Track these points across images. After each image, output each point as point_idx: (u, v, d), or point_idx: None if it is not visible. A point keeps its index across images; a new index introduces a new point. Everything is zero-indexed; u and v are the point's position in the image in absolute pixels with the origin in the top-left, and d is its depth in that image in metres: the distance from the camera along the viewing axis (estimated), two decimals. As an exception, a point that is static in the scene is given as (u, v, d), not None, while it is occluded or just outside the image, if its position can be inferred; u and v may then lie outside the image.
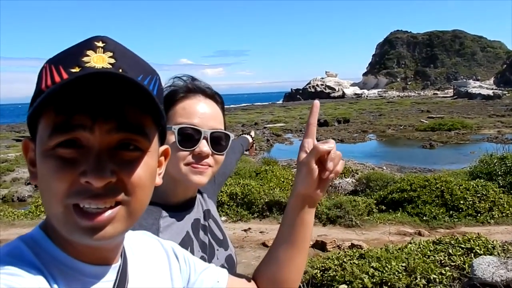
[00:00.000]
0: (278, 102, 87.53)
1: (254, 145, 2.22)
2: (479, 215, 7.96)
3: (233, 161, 1.79)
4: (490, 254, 4.35)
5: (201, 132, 1.07)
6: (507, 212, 8.01)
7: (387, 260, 4.38)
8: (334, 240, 6.87)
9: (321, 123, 34.80)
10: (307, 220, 0.97)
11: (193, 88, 1.13)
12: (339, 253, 5.00)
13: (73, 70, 0.58)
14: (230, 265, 1.22)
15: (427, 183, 8.82)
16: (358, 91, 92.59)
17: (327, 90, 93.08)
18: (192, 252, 1.09)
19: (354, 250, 5.05)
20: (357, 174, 12.22)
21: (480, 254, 4.25)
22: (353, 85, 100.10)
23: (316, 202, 0.97)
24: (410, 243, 4.95)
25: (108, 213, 0.58)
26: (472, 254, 4.45)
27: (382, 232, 7.64)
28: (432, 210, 8.16)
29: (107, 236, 0.59)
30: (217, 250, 1.21)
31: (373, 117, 39.52)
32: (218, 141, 1.11)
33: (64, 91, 0.55)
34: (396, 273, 4.09)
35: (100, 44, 0.61)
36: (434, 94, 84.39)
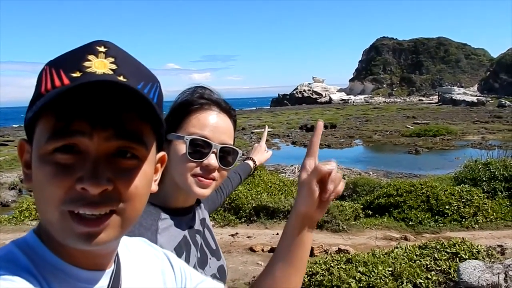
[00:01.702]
0: (265, 107, 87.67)
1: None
2: (463, 220, 8.06)
3: (220, 198, 1.73)
4: (475, 259, 4.40)
5: (211, 145, 1.08)
6: (491, 217, 8.13)
7: (374, 264, 4.40)
8: (321, 245, 6.88)
9: (308, 128, 34.97)
10: (306, 241, 0.95)
11: (209, 99, 1.14)
12: (326, 257, 5.01)
13: (74, 75, 0.58)
14: (222, 276, 1.23)
15: (413, 188, 8.91)
16: (345, 96, 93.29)
17: (314, 96, 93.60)
18: (188, 256, 1.10)
19: (341, 255, 5.07)
20: (344, 179, 12.25)
21: (465, 259, 4.30)
22: (339, 90, 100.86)
23: (315, 222, 0.96)
24: (397, 247, 4.98)
25: (103, 220, 0.58)
26: (457, 258, 4.49)
27: (368, 236, 7.68)
28: (418, 215, 8.24)
29: (101, 242, 0.58)
30: (210, 259, 1.21)
31: (360, 122, 39.84)
32: (226, 156, 1.12)
33: (65, 96, 0.55)
34: (383, 277, 4.11)
35: (102, 49, 0.61)
36: (419, 100, 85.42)
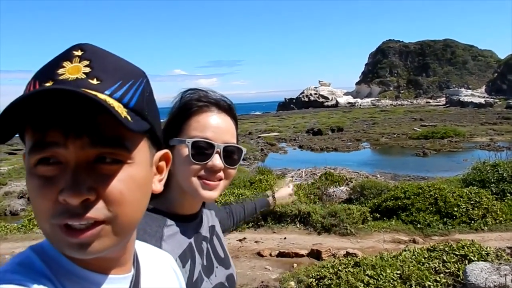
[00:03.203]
0: (272, 112, 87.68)
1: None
2: (472, 222, 8.00)
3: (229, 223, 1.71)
4: (484, 261, 4.37)
5: (214, 146, 1.08)
6: (500, 219, 8.06)
7: (382, 268, 4.39)
8: (329, 249, 6.86)
9: (315, 132, 34.94)
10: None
11: (207, 101, 1.13)
12: (334, 261, 5.00)
13: (46, 84, 0.57)
14: (231, 284, 1.23)
15: (420, 190, 8.85)
16: (352, 100, 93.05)
17: (321, 99, 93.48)
18: (194, 264, 1.10)
19: (349, 258, 5.05)
20: (351, 182, 12.26)
21: (474, 261, 4.27)
22: (346, 94, 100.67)
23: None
24: (405, 250, 4.96)
25: (92, 230, 0.56)
26: (466, 261, 4.46)
27: (376, 240, 7.64)
28: (426, 218, 8.19)
29: (95, 251, 0.57)
30: (216, 267, 1.20)
31: (367, 125, 39.70)
32: (230, 155, 1.11)
33: (37, 107, 0.54)
34: (391, 280, 4.10)
35: (78, 53, 0.60)
36: (426, 102, 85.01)
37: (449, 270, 4.25)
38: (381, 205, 9.01)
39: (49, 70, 0.58)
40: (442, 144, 25.07)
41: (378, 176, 15.17)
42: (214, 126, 1.10)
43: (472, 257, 4.65)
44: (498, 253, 4.68)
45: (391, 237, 7.75)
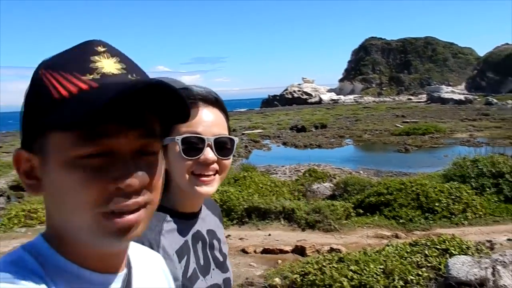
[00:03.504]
0: (255, 109, 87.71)
1: None
2: (453, 216, 8.15)
3: None
4: (465, 254, 4.45)
5: (204, 139, 1.08)
6: (480, 213, 8.23)
7: (366, 263, 4.44)
8: (313, 245, 6.91)
9: (299, 129, 35.08)
10: None
11: (192, 96, 1.11)
12: (318, 257, 5.04)
13: (87, 78, 0.58)
14: (227, 286, 1.24)
15: (403, 186, 8.98)
16: (335, 97, 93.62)
17: (304, 96, 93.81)
18: (188, 262, 1.11)
19: (333, 254, 5.10)
20: (335, 178, 12.36)
21: (455, 255, 4.35)
22: (329, 91, 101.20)
23: None
24: (388, 245, 5.03)
25: (135, 215, 0.60)
26: (448, 255, 4.55)
27: (360, 235, 7.73)
28: (408, 213, 8.31)
29: (133, 236, 0.60)
30: (213, 269, 1.21)
31: (350, 122, 40.02)
32: (223, 147, 1.11)
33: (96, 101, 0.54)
34: (375, 275, 4.15)
35: (101, 48, 0.61)
36: (408, 99, 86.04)
37: (431, 264, 4.32)
38: (364, 201, 9.11)
39: (82, 64, 0.59)
40: (424, 140, 25.45)
41: (361, 172, 15.32)
42: (203, 120, 1.10)
43: (453, 251, 4.74)
44: (478, 247, 4.78)
45: (374, 232, 7.84)
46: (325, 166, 15.38)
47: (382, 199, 8.80)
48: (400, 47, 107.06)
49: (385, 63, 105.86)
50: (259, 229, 8.24)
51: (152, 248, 0.98)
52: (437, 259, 4.44)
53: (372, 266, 4.31)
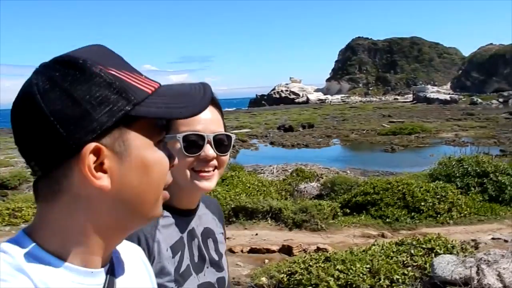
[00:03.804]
0: (243, 108, 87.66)
1: None
2: (438, 216, 8.23)
3: None
4: (450, 254, 4.49)
5: (204, 137, 1.12)
6: (465, 212, 8.33)
7: (352, 262, 4.45)
8: (300, 244, 6.91)
9: (286, 128, 35.17)
10: None
11: None
12: (305, 257, 5.03)
13: (144, 77, 0.66)
14: (220, 286, 1.26)
15: (389, 186, 9.04)
16: (322, 96, 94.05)
17: (292, 96, 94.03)
18: (182, 258, 1.14)
19: (320, 254, 5.10)
20: (322, 178, 12.40)
21: (441, 254, 4.38)
22: (317, 90, 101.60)
23: None
24: (374, 245, 5.05)
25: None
26: (433, 254, 4.58)
27: (346, 235, 7.76)
28: (395, 212, 8.37)
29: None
30: (207, 267, 1.23)
31: (337, 122, 40.27)
32: (221, 143, 1.16)
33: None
34: (361, 274, 4.16)
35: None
36: (394, 99, 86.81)
37: (416, 263, 4.35)
38: (351, 200, 9.16)
39: (130, 65, 0.67)
40: (410, 140, 25.72)
41: (348, 172, 15.41)
42: (202, 118, 1.13)
43: (438, 250, 4.78)
44: (463, 246, 4.83)
45: (360, 231, 7.88)
46: (312, 165, 15.42)
47: (369, 199, 8.85)
48: (386, 47, 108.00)
49: (372, 63, 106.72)
50: (246, 228, 8.22)
51: (147, 241, 1.04)
52: (423, 258, 4.46)
53: (358, 265, 4.31)
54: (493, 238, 6.47)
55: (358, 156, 22.14)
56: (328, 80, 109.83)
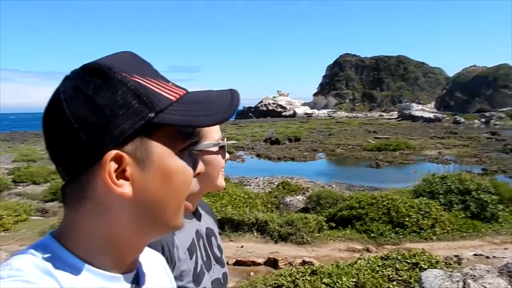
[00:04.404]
0: (230, 120, 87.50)
1: None
2: (422, 231, 8.33)
3: None
4: (434, 268, 4.55)
5: (225, 144, 1.25)
6: (448, 228, 8.45)
7: (338, 276, 4.48)
8: (286, 257, 6.92)
9: (273, 141, 35.24)
10: None
11: None
12: (291, 269, 5.05)
13: (171, 84, 0.66)
14: (225, 281, 1.34)
15: (374, 201, 9.14)
16: (309, 110, 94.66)
17: (279, 109, 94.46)
18: (197, 258, 1.20)
19: (306, 267, 5.12)
20: (308, 191, 12.45)
21: (425, 269, 4.44)
22: (304, 104, 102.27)
23: None
24: (360, 259, 5.09)
25: None
26: (418, 268, 4.64)
27: (332, 248, 7.80)
28: (379, 227, 8.45)
29: None
30: (214, 265, 1.30)
31: (323, 136, 40.50)
32: None
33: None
34: (347, 288, 4.19)
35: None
36: (380, 115, 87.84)
37: (401, 278, 4.40)
38: (336, 214, 9.21)
39: (157, 72, 0.68)
40: (394, 156, 25.98)
41: (334, 186, 15.49)
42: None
43: (422, 265, 4.85)
44: (447, 261, 4.90)
45: (346, 245, 7.93)
46: (298, 179, 15.48)
47: (354, 213, 8.93)
48: (373, 65, 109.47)
49: (359, 80, 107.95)
50: (231, 240, 8.20)
51: (169, 248, 1.08)
52: (408, 273, 4.52)
53: (344, 279, 4.35)
54: (475, 255, 6.57)
55: (343, 171, 22.29)
56: (315, 94, 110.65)
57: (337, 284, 4.27)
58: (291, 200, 11.30)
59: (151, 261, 0.81)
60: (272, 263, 6.80)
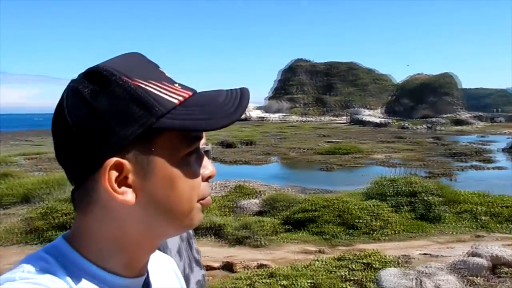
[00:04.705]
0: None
1: None
2: (373, 232, 8.63)
3: None
4: (385, 268, 4.74)
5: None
6: (397, 229, 8.80)
7: (295, 277, 4.56)
8: (242, 261, 6.94)
9: (227, 145, 35.24)
10: None
11: None
12: (249, 273, 5.08)
13: (177, 86, 0.64)
14: (204, 283, 1.36)
15: (326, 203, 9.37)
16: (262, 114, 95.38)
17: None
18: (184, 260, 1.23)
19: (263, 270, 5.17)
20: (263, 195, 12.53)
21: (378, 268, 4.62)
22: (257, 108, 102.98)
23: None
24: (317, 260, 5.21)
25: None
26: (370, 268, 4.81)
27: (287, 251, 7.90)
28: (333, 229, 8.66)
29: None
30: (194, 267, 1.33)
31: (277, 140, 40.94)
32: None
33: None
34: (304, 289, 4.27)
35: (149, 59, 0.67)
36: (331, 120, 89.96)
37: (355, 278, 4.54)
38: (291, 217, 9.35)
39: (161, 74, 0.65)
40: (346, 160, 26.69)
41: (289, 189, 15.69)
42: None
43: (374, 265, 5.03)
44: (397, 261, 5.11)
45: (300, 248, 8.06)
46: (253, 182, 15.56)
47: (308, 216, 9.10)
48: (325, 70, 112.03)
49: (311, 85, 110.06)
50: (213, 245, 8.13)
51: (164, 251, 1.04)
52: (361, 273, 4.68)
53: (301, 280, 4.43)
54: (423, 254, 6.89)
55: (297, 174, 22.64)
56: (268, 98, 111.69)
57: (294, 285, 4.34)
58: (246, 204, 11.33)
59: (162, 264, 0.81)
60: (228, 267, 6.80)
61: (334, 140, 38.28)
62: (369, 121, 68.36)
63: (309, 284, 4.37)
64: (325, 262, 5.15)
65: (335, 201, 9.40)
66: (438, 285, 3.27)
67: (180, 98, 0.62)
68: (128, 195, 0.60)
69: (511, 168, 23.89)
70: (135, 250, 0.64)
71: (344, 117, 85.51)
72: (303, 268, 4.92)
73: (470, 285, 3.74)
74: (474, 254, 4.97)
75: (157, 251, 0.84)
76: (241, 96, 0.65)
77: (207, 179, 0.67)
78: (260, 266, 6.51)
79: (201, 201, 0.66)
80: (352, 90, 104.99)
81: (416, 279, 3.36)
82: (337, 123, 78.85)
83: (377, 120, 69.57)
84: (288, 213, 9.58)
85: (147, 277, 0.71)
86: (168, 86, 0.62)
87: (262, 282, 4.53)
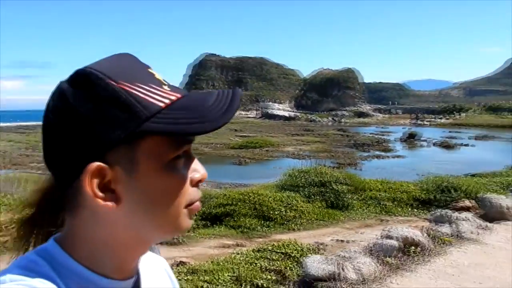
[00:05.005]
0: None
1: None
2: (288, 223, 8.95)
3: None
4: (303, 256, 4.96)
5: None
6: (311, 218, 9.22)
7: (216, 272, 4.59)
8: (160, 259, 6.81)
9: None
10: None
11: None
12: (169, 271, 5.01)
13: (167, 88, 0.62)
14: None
15: (242, 197, 9.52)
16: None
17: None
18: None
19: (185, 266, 5.13)
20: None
21: (296, 257, 4.82)
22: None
23: None
24: (237, 253, 5.29)
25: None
26: (289, 257, 5.00)
27: (205, 246, 7.90)
28: (250, 222, 8.83)
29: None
30: None
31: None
32: None
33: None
34: (227, 283, 4.32)
35: (140, 60, 0.66)
36: (242, 114, 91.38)
37: (276, 268, 4.69)
38: (209, 212, 9.35)
39: (150, 76, 0.63)
40: (258, 153, 27.32)
41: (205, 185, 15.67)
42: None
43: (291, 254, 5.24)
44: (313, 248, 5.37)
45: (218, 242, 8.10)
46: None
47: (225, 210, 9.17)
48: (235, 65, 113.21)
49: (222, 79, 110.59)
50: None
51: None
52: (281, 263, 4.84)
53: (223, 274, 4.48)
54: (334, 240, 7.32)
55: (211, 169, 22.57)
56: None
57: (217, 280, 4.37)
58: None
59: (153, 265, 0.80)
60: (146, 266, 6.63)
61: (246, 135, 38.92)
62: (278, 115, 70.56)
63: (231, 277, 4.43)
64: (245, 254, 5.25)
65: (251, 194, 9.57)
66: (358, 267, 3.56)
67: (167, 101, 0.60)
68: (111, 201, 0.59)
69: (408, 156, 26.24)
70: (124, 253, 0.64)
71: (254, 111, 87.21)
72: (224, 262, 4.97)
73: (385, 265, 4.10)
74: (387, 237, 5.47)
75: (148, 252, 0.83)
76: (232, 98, 0.64)
77: (197, 183, 0.65)
78: (180, 263, 6.43)
79: (189, 207, 0.63)
80: (262, 85, 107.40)
81: (338, 263, 3.60)
82: (248, 117, 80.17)
83: (287, 114, 72.06)
84: (205, 209, 9.57)
85: (138, 278, 0.70)
86: (155, 89, 0.61)
87: (184, 279, 4.49)
